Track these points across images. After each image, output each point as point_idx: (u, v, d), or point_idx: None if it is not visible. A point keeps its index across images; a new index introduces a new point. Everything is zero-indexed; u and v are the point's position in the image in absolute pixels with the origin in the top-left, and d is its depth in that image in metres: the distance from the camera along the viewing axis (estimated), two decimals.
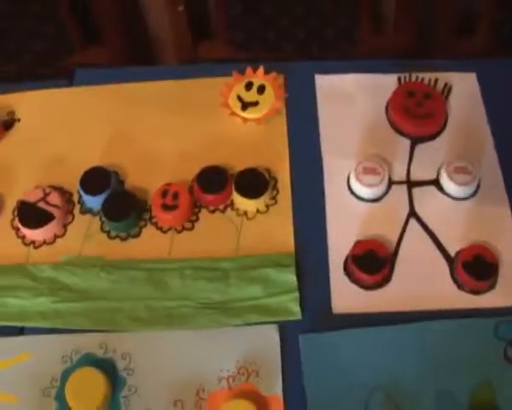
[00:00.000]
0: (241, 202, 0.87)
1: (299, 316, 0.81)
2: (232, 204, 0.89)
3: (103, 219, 0.88)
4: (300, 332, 0.80)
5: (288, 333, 0.81)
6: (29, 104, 1.02)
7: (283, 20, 1.35)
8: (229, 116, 0.95)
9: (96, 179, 0.90)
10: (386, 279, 0.83)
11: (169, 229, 0.88)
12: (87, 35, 1.43)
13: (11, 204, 0.93)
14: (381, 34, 1.45)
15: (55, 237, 0.89)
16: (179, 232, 0.88)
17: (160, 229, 0.88)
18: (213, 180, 0.88)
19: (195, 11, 1.40)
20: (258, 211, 0.88)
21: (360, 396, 0.77)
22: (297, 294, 0.82)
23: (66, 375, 0.80)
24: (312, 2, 1.37)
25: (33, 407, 0.80)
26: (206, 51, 1.42)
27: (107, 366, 0.80)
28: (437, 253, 0.85)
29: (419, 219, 0.87)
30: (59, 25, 1.38)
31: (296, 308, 0.81)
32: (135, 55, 1.48)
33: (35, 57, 1.41)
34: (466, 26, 1.38)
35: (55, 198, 0.90)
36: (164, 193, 0.88)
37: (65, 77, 1.04)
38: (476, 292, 0.82)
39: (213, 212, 0.89)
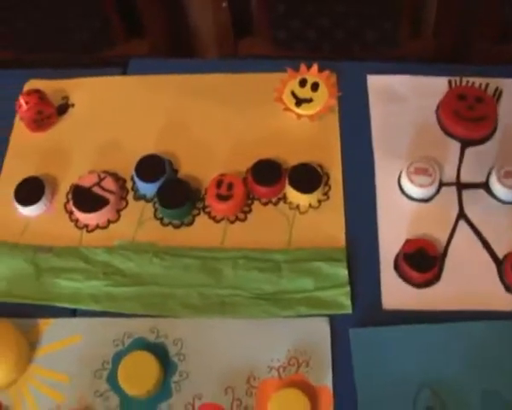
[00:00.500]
0: (294, 195, 0.89)
1: (349, 310, 0.82)
2: (285, 198, 0.90)
3: (157, 206, 0.90)
4: (350, 326, 0.81)
5: (338, 326, 0.82)
6: (83, 90, 1.03)
7: (324, 19, 1.36)
8: (283, 111, 0.96)
9: (150, 167, 0.91)
10: (436, 278, 0.84)
11: (222, 219, 0.89)
12: (129, 28, 1.45)
13: (64, 188, 0.94)
14: (419, 38, 1.45)
15: (109, 222, 0.91)
16: (232, 222, 0.89)
17: (213, 218, 0.89)
18: (267, 173, 0.90)
19: (238, 8, 1.41)
20: (310, 206, 0.89)
21: (408, 391, 0.78)
22: (348, 288, 0.83)
23: (117, 358, 0.82)
24: (353, 4, 1.38)
25: (85, 387, 0.81)
26: (247, 48, 1.43)
27: (158, 351, 0.81)
28: (485, 255, 0.86)
29: (468, 221, 0.88)
30: (103, 17, 1.40)
31: (347, 302, 0.83)
32: (175, 49, 1.49)
33: (80, 47, 1.42)
34: (506, 32, 1.38)
35: (109, 183, 0.91)
36: (219, 183, 0.89)
37: (118, 66, 1.05)
38: None
39: (266, 204, 0.90)
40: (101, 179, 0.91)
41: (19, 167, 0.96)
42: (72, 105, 1.02)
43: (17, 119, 1.01)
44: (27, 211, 0.92)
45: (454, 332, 0.81)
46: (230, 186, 0.88)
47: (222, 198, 0.88)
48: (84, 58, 1.36)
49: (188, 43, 1.57)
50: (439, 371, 0.79)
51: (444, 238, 0.87)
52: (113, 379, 0.81)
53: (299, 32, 1.37)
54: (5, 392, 0.82)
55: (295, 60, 1.01)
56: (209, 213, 0.90)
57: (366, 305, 0.83)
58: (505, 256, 0.85)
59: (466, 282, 0.84)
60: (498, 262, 0.85)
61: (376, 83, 0.99)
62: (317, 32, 1.37)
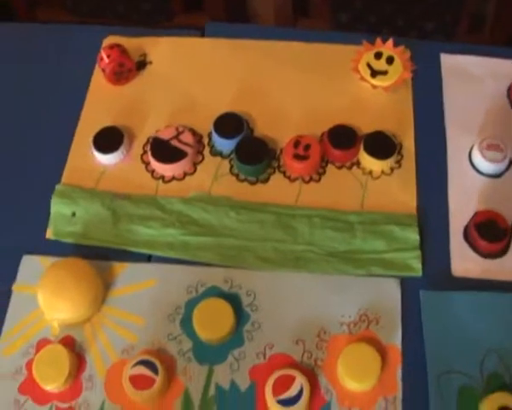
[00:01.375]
0: (368, 161, 0.91)
1: (419, 273, 0.84)
2: (358, 163, 0.92)
3: (234, 162, 0.92)
4: (420, 289, 0.83)
5: (408, 289, 0.84)
6: (162, 49, 1.06)
7: (386, 5, 1.38)
8: (359, 81, 0.98)
9: (229, 124, 0.93)
10: (505, 250, 0.86)
11: (297, 178, 0.91)
12: (189, 2, 1.47)
13: (141, 140, 0.97)
14: (476, 33, 1.48)
15: (185, 174, 0.93)
16: (306, 183, 0.91)
17: (288, 178, 0.91)
18: (343, 138, 0.92)
19: None
20: (382, 172, 0.91)
21: (475, 355, 0.79)
22: (419, 252, 0.85)
23: (191, 304, 0.84)
24: None
25: (158, 330, 0.83)
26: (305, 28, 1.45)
27: (232, 300, 0.83)
28: None
29: None
30: None
31: (418, 265, 0.84)
32: None
33: (141, 18, 1.45)
34: None
35: (187, 137, 0.93)
36: (296, 143, 0.91)
37: (196, 29, 1.08)
38: None
39: (340, 168, 0.92)
40: (179, 133, 0.93)
41: (97, 117, 0.98)
42: (150, 62, 1.04)
43: (96, 71, 1.03)
44: (105, 159, 0.94)
45: None
46: (307, 147, 0.91)
47: (299, 158, 0.90)
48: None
49: (246, 21, 1.59)
50: (506, 338, 0.80)
51: None
52: (186, 324, 0.83)
53: (360, 15, 1.40)
54: (79, 329, 0.84)
55: (367, 34, 1.03)
56: (284, 173, 0.92)
57: (435, 271, 0.85)
58: None
59: None
60: None
61: (450, 62, 1.01)
62: (378, 17, 1.39)
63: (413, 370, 0.79)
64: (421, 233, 0.87)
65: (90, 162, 0.95)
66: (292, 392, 0.76)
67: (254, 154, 0.91)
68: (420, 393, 0.78)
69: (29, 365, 0.82)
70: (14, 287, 0.88)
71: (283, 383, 0.77)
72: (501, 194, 0.90)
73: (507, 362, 0.79)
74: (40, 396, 0.81)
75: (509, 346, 0.80)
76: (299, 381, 0.77)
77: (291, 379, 0.77)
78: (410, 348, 0.81)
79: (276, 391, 0.76)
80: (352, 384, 0.77)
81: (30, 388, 0.81)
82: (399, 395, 0.78)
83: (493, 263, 0.86)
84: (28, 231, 0.91)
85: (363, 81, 0.98)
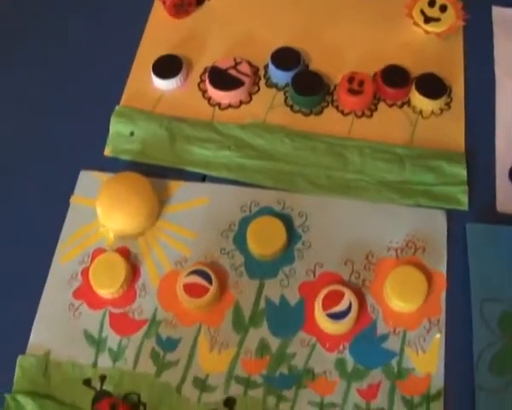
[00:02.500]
0: (419, 100, 0.94)
1: (466, 207, 0.87)
2: (409, 102, 0.95)
3: (289, 93, 0.95)
4: (466, 222, 0.86)
5: (454, 221, 0.86)
6: None
7: None
8: (412, 26, 1.01)
9: (285, 57, 0.96)
10: None
11: (349, 113, 0.94)
12: None
13: (199, 69, 1.00)
14: None
15: (241, 102, 0.96)
16: (359, 117, 0.94)
17: (341, 112, 0.94)
18: (396, 77, 0.95)
19: None
20: (432, 112, 0.94)
21: None
22: (466, 187, 0.88)
23: (244, 222, 0.87)
24: None
25: (211, 244, 0.86)
26: None
27: (284, 220, 0.86)
28: None
29: None
30: None
31: (464, 199, 0.87)
32: None
33: None
34: None
35: (245, 67, 0.96)
36: (350, 79, 0.94)
37: None
38: None
39: (391, 106, 0.95)
40: (237, 63, 0.96)
41: (156, 46, 1.02)
42: None
43: (156, 3, 1.06)
44: (163, 84, 0.97)
45: None
46: (361, 83, 0.94)
47: (353, 92, 0.93)
48: None
49: None
50: None
51: None
52: (239, 240, 0.86)
53: None
54: (133, 241, 0.87)
55: None
56: (337, 107, 0.95)
57: (481, 206, 0.88)
58: None
59: None
60: None
61: (501, 14, 1.04)
62: None
63: (457, 296, 0.82)
64: (468, 171, 0.90)
65: (148, 87, 0.99)
66: (341, 307, 0.79)
67: (309, 86, 0.94)
68: (463, 317, 0.80)
69: (84, 272, 0.85)
70: (72, 199, 0.91)
71: (333, 299, 0.80)
72: None
73: None
74: (94, 302, 0.84)
75: None
76: (348, 297, 0.80)
77: (340, 295, 0.80)
78: (455, 276, 0.83)
79: (325, 305, 0.79)
80: (398, 304, 0.80)
81: (85, 293, 0.84)
82: (443, 317, 0.80)
83: None
84: (87, 149, 0.94)
85: (416, 27, 1.01)
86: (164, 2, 1.03)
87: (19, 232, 0.89)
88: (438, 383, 0.77)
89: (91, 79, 1.01)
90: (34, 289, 0.85)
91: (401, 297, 0.80)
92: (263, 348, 0.80)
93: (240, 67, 0.96)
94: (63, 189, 0.91)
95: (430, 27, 1.00)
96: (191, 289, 0.81)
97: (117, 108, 0.96)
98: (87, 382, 0.79)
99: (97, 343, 0.81)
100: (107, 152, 0.94)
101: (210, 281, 0.81)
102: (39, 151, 0.95)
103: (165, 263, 0.85)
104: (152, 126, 0.94)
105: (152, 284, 0.84)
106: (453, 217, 0.87)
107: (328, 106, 0.95)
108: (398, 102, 0.95)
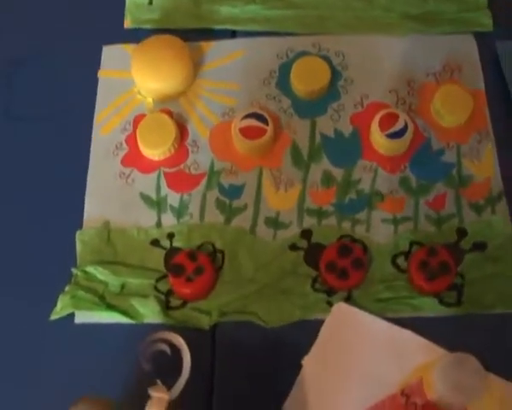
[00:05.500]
0: None
1: (491, 28, 0.90)
2: None
3: None
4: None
5: (483, 44, 0.89)
6: None
7: None
8: None
9: None
10: None
11: None
12: None
13: None
14: None
15: None
16: None
17: None
18: None
19: None
20: None
21: None
22: (489, 11, 0.91)
23: (284, 67, 0.88)
24: None
25: (256, 92, 0.87)
26: None
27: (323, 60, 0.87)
28: None
29: None
30: None
31: (489, 21, 0.90)
32: None
33: None
34: None
35: None
36: None
37: None
38: None
39: None
40: None
41: None
42: None
43: None
44: None
45: None
46: None
47: None
48: None
49: None
50: None
51: None
52: (282, 85, 0.87)
53: None
54: (175, 103, 0.87)
55: None
56: None
57: (505, 26, 0.91)
58: None
59: None
60: None
61: None
62: None
63: (499, 109, 0.85)
64: None
65: None
66: (398, 126, 0.82)
67: None
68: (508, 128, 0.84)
69: (129, 139, 0.85)
70: (100, 73, 0.89)
71: (389, 120, 0.82)
72: None
73: None
74: (146, 165, 0.83)
75: None
76: (403, 117, 0.82)
77: (395, 116, 0.82)
78: (494, 93, 0.86)
79: (383, 127, 0.81)
80: (448, 119, 0.83)
81: (134, 159, 0.84)
82: (490, 129, 0.84)
83: None
84: (106, 25, 0.92)
85: None
86: None
87: (54, 113, 0.87)
88: (497, 186, 0.80)
89: None
90: (79, 167, 0.83)
91: (450, 111, 0.83)
92: (328, 179, 0.81)
93: None
94: (88, 67, 0.89)
95: None
96: (248, 132, 0.81)
97: None
98: (155, 242, 0.79)
99: (157, 204, 0.81)
100: (127, 24, 0.92)
101: (266, 122, 0.82)
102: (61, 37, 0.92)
103: (211, 117, 0.86)
104: None
105: (202, 138, 0.85)
106: (482, 38, 0.90)
107: None
108: None
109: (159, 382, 0.63)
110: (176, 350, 0.68)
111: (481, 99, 0.86)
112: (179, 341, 0.68)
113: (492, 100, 0.86)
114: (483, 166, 0.82)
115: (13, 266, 0.78)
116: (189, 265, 0.74)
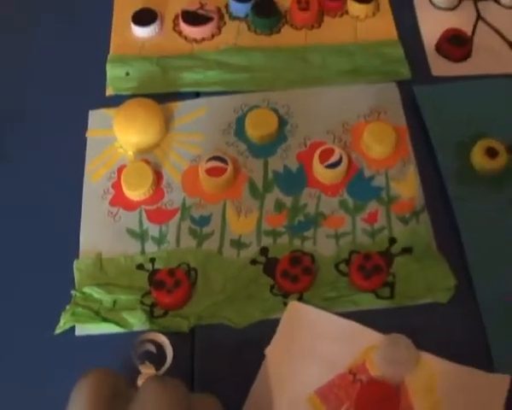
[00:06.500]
0: (354, 8, 1.16)
1: (409, 76, 1.09)
2: (347, 12, 1.17)
3: (250, 20, 1.15)
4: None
5: (403, 89, 1.08)
6: None
7: None
8: None
9: None
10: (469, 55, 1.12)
11: (302, 27, 1.15)
12: None
13: (169, 17, 1.18)
14: None
15: (213, 35, 1.15)
16: (310, 30, 1.15)
17: (296, 27, 1.15)
18: None
19: None
20: (366, 15, 1.16)
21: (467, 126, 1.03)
22: (406, 62, 1.10)
23: (239, 120, 1.05)
24: None
25: (217, 140, 1.03)
26: None
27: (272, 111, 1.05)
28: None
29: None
30: None
31: (407, 71, 1.09)
32: None
33: None
34: None
35: (210, 6, 1.16)
36: (298, 0, 1.16)
37: None
38: None
39: (334, 17, 1.17)
40: (202, 5, 1.16)
41: (128, 4, 1.19)
42: None
43: None
44: (143, 32, 1.14)
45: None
46: (307, 2, 1.15)
47: (302, 9, 1.14)
48: None
49: None
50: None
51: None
52: (239, 133, 1.03)
53: None
54: (151, 154, 1.03)
55: None
56: (291, 25, 1.15)
57: (420, 74, 1.10)
58: None
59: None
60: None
61: None
62: None
63: (418, 140, 1.03)
64: (404, 51, 1.11)
65: (130, 37, 1.15)
66: (334, 158, 0.99)
67: (267, 11, 1.14)
68: (426, 154, 1.02)
69: (115, 184, 1.00)
70: (88, 133, 1.06)
71: (326, 154, 0.99)
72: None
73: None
74: (130, 204, 0.98)
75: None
76: (338, 151, 0.99)
77: (331, 151, 0.99)
78: (414, 126, 1.04)
79: (322, 159, 0.98)
80: (377, 151, 1.00)
81: (119, 201, 0.99)
82: (412, 155, 1.01)
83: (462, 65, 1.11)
84: (90, 93, 1.11)
85: None
86: None
87: (46, 168, 1.04)
88: (420, 201, 0.97)
89: (78, 35, 1.18)
90: (74, 207, 0.99)
91: (377, 144, 1.00)
92: (280, 205, 0.97)
93: (206, 7, 1.15)
94: (76, 129, 1.07)
95: None
96: (212, 172, 0.98)
97: (109, 56, 1.13)
98: (140, 266, 0.93)
99: (141, 235, 0.96)
100: (109, 92, 1.10)
101: (226, 163, 0.98)
102: (51, 97, 1.11)
103: (182, 162, 1.02)
104: (144, 65, 1.11)
105: (175, 180, 1.00)
106: (402, 85, 1.08)
107: (284, 25, 1.16)
108: (339, 13, 1.17)
109: (147, 362, 0.78)
110: (161, 349, 0.83)
111: (403, 133, 1.03)
112: (161, 338, 0.84)
113: (413, 133, 1.03)
114: (407, 185, 0.98)
115: (21, 291, 0.92)
116: (168, 280, 0.89)
